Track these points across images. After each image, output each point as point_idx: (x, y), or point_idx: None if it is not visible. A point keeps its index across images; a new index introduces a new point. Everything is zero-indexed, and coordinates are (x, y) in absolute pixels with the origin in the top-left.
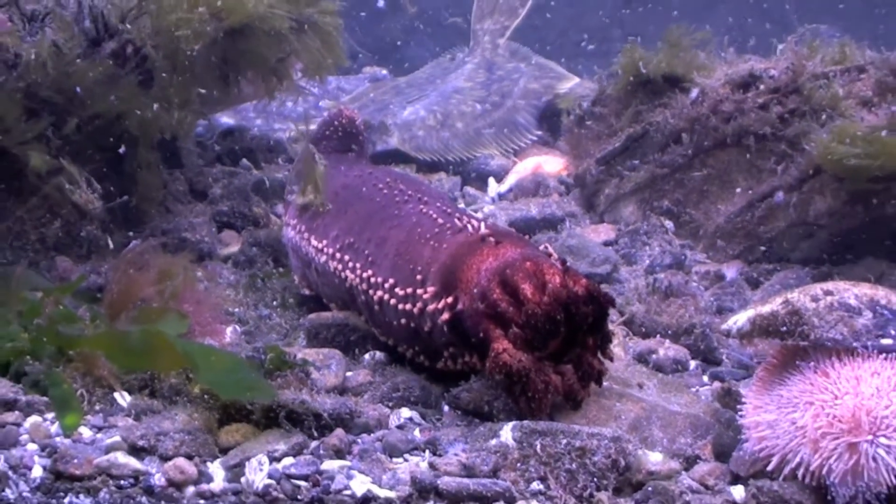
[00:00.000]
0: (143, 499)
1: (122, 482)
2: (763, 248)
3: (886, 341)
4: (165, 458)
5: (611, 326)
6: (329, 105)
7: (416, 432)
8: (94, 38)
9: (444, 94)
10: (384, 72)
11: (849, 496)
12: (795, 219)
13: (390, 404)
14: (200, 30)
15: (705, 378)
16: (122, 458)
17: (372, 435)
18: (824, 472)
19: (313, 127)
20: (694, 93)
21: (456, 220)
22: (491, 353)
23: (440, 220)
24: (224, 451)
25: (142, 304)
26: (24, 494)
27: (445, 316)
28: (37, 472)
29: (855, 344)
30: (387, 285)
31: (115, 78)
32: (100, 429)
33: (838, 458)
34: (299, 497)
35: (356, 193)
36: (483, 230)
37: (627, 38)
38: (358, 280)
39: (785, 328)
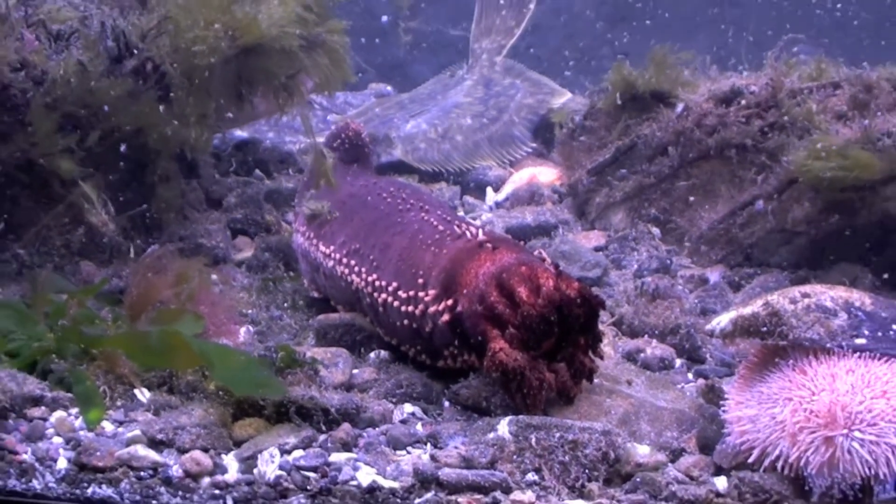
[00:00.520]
0: (162, 489)
1: (141, 473)
2: (744, 253)
3: (860, 341)
4: (183, 451)
5: (601, 327)
6: (337, 119)
7: (419, 426)
8: (116, 56)
9: (445, 108)
10: (388, 88)
11: (825, 487)
12: (774, 226)
13: (394, 400)
14: (215, 46)
15: (690, 375)
16: (141, 450)
17: (377, 429)
18: (802, 464)
19: (322, 139)
20: (679, 107)
21: (455, 227)
22: (489, 353)
23: (440, 227)
24: (238, 444)
25: (160, 305)
26: (50, 485)
27: (446, 317)
28: (62, 464)
29: (831, 343)
30: (390, 288)
31: (136, 94)
32: (121, 423)
33: (815, 450)
34: (308, 487)
35: (362, 202)
36: (481, 236)
37: (616, 56)
38: (363, 283)
39: (765, 328)
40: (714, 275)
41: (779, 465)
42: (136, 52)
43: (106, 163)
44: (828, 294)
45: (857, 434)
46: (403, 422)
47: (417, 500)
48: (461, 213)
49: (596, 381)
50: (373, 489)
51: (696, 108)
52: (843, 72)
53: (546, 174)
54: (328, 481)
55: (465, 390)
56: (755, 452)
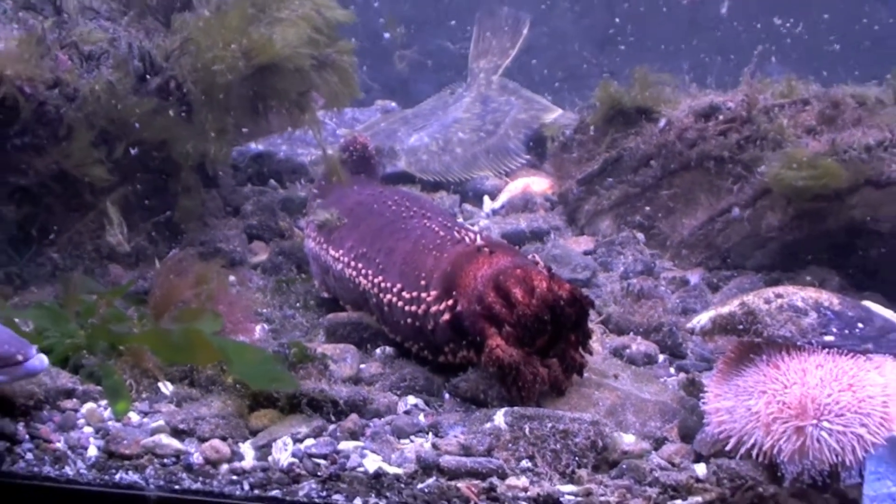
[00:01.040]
0: (184, 475)
1: (165, 460)
2: (722, 257)
3: (829, 338)
4: (203, 440)
5: (590, 325)
6: (345, 133)
7: (421, 417)
8: (142, 75)
9: (445, 123)
10: (393, 104)
11: (796, 473)
12: (749, 232)
13: (398, 392)
14: (233, 65)
15: (672, 370)
16: (165, 439)
17: (382, 419)
18: (775, 451)
19: (331, 151)
20: (662, 122)
21: (455, 233)
22: (486, 349)
23: (441, 233)
24: (253, 433)
25: (182, 305)
26: (81, 471)
27: (446, 317)
28: (92, 452)
29: (801, 340)
30: (395, 289)
31: (160, 110)
32: (146, 414)
33: (787, 439)
34: (319, 473)
35: (368, 209)
36: (479, 241)
37: (603, 75)
38: (370, 285)
39: (741, 326)
40: (694, 277)
41: (754, 452)
42: (160, 71)
43: (132, 173)
44: (799, 295)
45: (825, 424)
46: (407, 413)
47: (420, 486)
48: (460, 220)
49: (585, 375)
50: (378, 475)
51: (678, 122)
52: (812, 89)
53: (539, 184)
54: (337, 468)
55: (464, 383)
56: (732, 441)
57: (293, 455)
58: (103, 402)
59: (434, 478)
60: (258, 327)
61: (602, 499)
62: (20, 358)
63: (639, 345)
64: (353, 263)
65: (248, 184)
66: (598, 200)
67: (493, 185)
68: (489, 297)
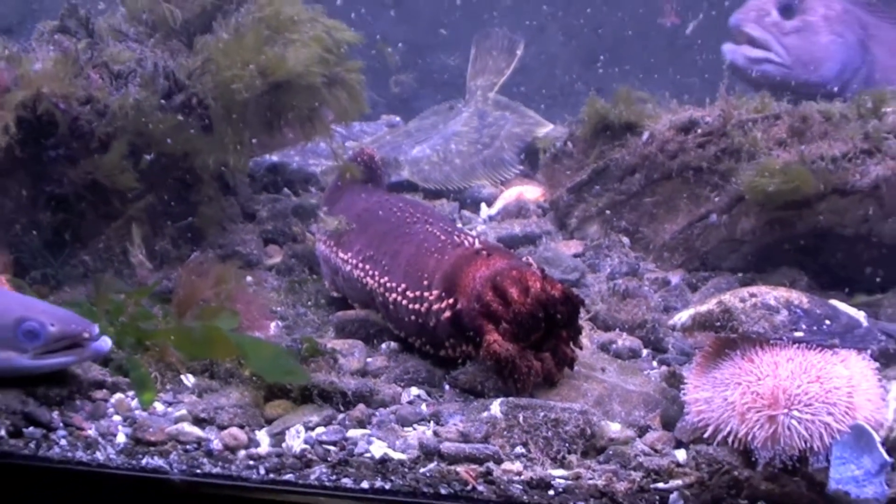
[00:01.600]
0: (205, 460)
1: (187, 446)
2: (700, 259)
3: (798, 334)
4: (222, 427)
5: (580, 322)
6: (354, 145)
7: (423, 407)
8: (167, 92)
9: (446, 136)
10: (398, 118)
11: (768, 458)
12: (726, 236)
13: (402, 384)
14: (250, 83)
15: (655, 363)
16: (187, 427)
17: (387, 409)
18: (749, 438)
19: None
20: (645, 135)
21: (455, 237)
22: (484, 344)
23: (442, 237)
24: (269, 421)
25: (203, 304)
26: (111, 456)
27: (447, 314)
28: (120, 439)
29: (774, 336)
30: (399, 289)
31: (183, 124)
32: (170, 404)
33: (760, 427)
34: (329, 459)
35: (375, 215)
36: (477, 245)
37: (589, 92)
38: (376, 285)
39: (719, 323)
40: (675, 277)
41: (730, 439)
42: (183, 88)
43: (158, 182)
44: (771, 294)
45: (795, 413)
46: (410, 403)
47: (422, 470)
48: (460, 225)
49: (575, 368)
50: (384, 460)
51: (660, 135)
52: (783, 105)
53: (532, 192)
54: (346, 453)
55: (463, 376)
56: (710, 429)
57: (305, 442)
58: (131, 393)
59: (435, 463)
60: (273, 324)
61: (590, 482)
62: (87, 336)
63: (624, 340)
64: (360, 265)
65: (263, 192)
66: (587, 207)
67: (490, 193)
68: (487, 296)
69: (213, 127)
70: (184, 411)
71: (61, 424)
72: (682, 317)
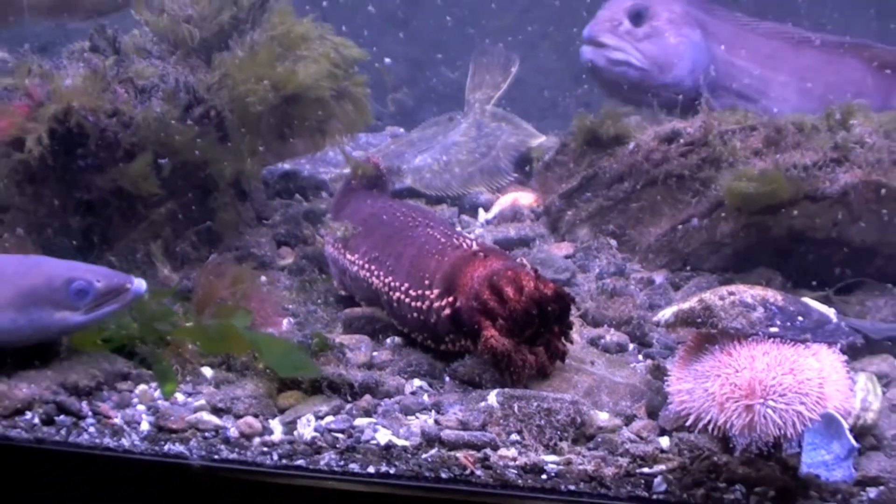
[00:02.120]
0: (222, 446)
1: (206, 434)
2: (683, 261)
3: (774, 329)
4: (238, 416)
5: (571, 318)
6: (360, 155)
7: (425, 397)
8: (187, 105)
9: (446, 146)
10: (401, 130)
11: (745, 444)
12: (706, 238)
13: (405, 376)
14: (263, 96)
15: (640, 357)
16: (206, 416)
17: (392, 399)
18: (728, 426)
19: (347, 170)
20: (631, 145)
21: (454, 240)
22: (482, 339)
23: (442, 240)
24: (281, 411)
25: (220, 302)
26: (136, 443)
27: (447, 311)
28: (144, 427)
29: (751, 331)
30: (403, 288)
31: (201, 135)
32: (190, 395)
33: (738, 416)
34: (337, 445)
35: (380, 220)
36: (474, 247)
37: (578, 107)
38: (381, 284)
39: (700, 319)
40: (659, 277)
41: (710, 427)
42: (202, 101)
43: (178, 189)
44: (748, 292)
45: (770, 403)
46: (413, 393)
47: (424, 456)
48: (459, 229)
49: (566, 361)
50: (389, 447)
51: (645, 145)
52: (760, 118)
53: (526, 198)
54: (353, 441)
55: (462, 368)
56: (691, 418)
57: (315, 430)
58: (154, 384)
59: (436, 449)
60: (285, 321)
61: (580, 467)
62: (128, 286)
63: (612, 335)
64: (366, 266)
65: (276, 198)
66: (577, 212)
67: (487, 199)
68: (484, 294)
69: (229, 137)
70: (203, 401)
71: (90, 413)
72: (666, 314)
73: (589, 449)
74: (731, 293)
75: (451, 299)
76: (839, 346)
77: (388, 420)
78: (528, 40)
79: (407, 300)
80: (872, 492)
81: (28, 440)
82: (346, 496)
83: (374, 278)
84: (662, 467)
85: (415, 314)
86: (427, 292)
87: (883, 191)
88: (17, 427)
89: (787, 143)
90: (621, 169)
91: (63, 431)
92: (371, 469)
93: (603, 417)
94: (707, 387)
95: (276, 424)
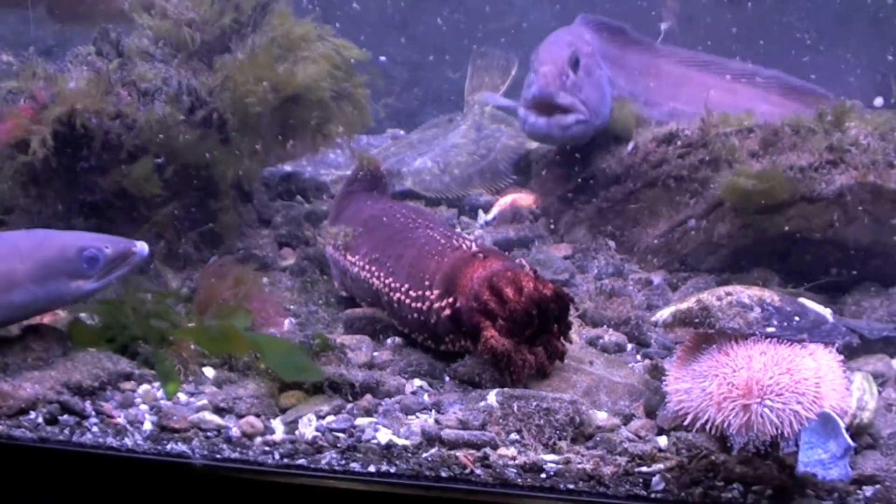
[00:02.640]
0: (224, 446)
1: (208, 433)
2: (680, 261)
3: (770, 329)
4: (240, 416)
5: (570, 318)
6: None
7: (425, 396)
8: (190, 108)
9: (445, 148)
10: (402, 132)
11: (743, 443)
12: (703, 239)
13: (406, 376)
14: (263, 97)
15: (638, 357)
16: (208, 415)
17: (392, 398)
18: (725, 425)
19: (349, 172)
20: (630, 146)
21: (454, 241)
22: (482, 339)
23: (442, 241)
24: (283, 411)
25: (223, 302)
26: (139, 442)
27: (447, 312)
28: (147, 426)
29: (748, 331)
30: (403, 289)
31: (203, 137)
32: (192, 394)
33: (735, 415)
34: (339, 445)
35: (380, 221)
36: (474, 248)
37: None
38: (382, 285)
39: (697, 320)
40: (657, 278)
41: (707, 426)
42: (204, 104)
43: (181, 191)
44: (745, 293)
45: (767, 402)
46: (413, 393)
47: (424, 455)
48: (458, 230)
49: (565, 361)
50: (389, 446)
51: (643, 147)
52: (756, 120)
53: (525, 199)
54: (354, 440)
55: (462, 368)
56: (689, 417)
57: (316, 429)
58: (156, 384)
59: (436, 448)
60: (287, 321)
61: (579, 466)
62: (134, 249)
63: (610, 335)
64: (367, 267)
65: (278, 199)
66: (576, 213)
67: (486, 201)
68: (484, 295)
69: (230, 139)
70: (205, 401)
71: (93, 413)
72: (664, 314)
73: (588, 448)
74: (729, 293)
75: (450, 300)
76: (836, 346)
77: (388, 419)
78: (529, 42)
79: (407, 301)
80: (869, 490)
81: (32, 440)
82: (346, 495)
83: (374, 279)
84: (660, 466)
85: (415, 315)
86: (427, 293)
87: (878, 192)
88: (21, 426)
89: (784, 145)
90: (619, 170)
91: (66, 431)
92: (372, 468)
93: (601, 417)
94: (705, 386)
95: (277, 424)
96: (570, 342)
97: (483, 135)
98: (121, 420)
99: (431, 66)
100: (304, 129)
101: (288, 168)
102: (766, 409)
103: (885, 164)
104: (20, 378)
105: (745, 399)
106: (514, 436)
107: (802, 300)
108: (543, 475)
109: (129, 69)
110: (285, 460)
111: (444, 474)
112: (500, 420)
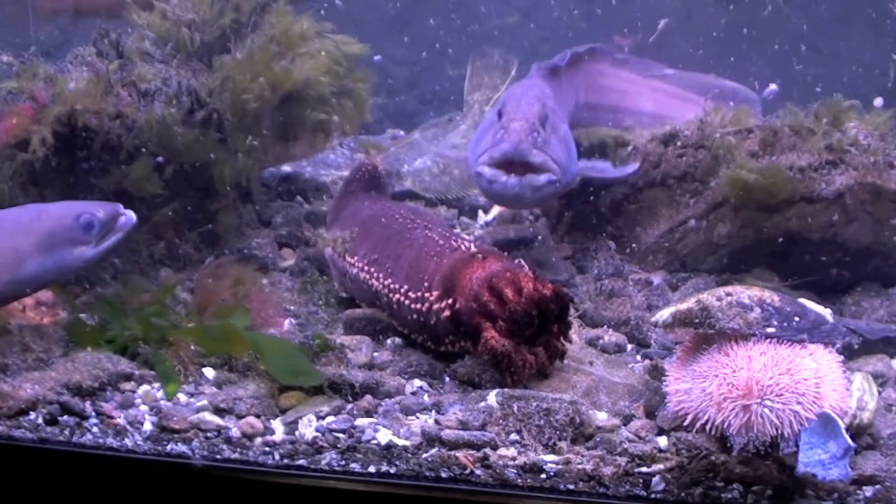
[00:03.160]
0: (224, 446)
1: (208, 434)
2: (680, 262)
3: (770, 330)
4: (240, 417)
5: (570, 318)
6: (361, 157)
7: (425, 397)
8: (189, 108)
9: (445, 149)
10: (402, 132)
11: (743, 443)
12: (704, 240)
13: (406, 376)
14: (259, 93)
15: (638, 357)
16: (208, 416)
17: (392, 399)
18: (725, 426)
19: (346, 172)
20: (630, 147)
21: (453, 242)
22: (482, 340)
23: (441, 242)
24: (283, 411)
25: (222, 303)
26: (139, 443)
27: (447, 313)
28: (147, 427)
29: (748, 332)
30: (402, 290)
31: (203, 138)
32: (192, 395)
33: (735, 415)
34: (339, 445)
35: (378, 222)
36: (473, 249)
37: None
38: (381, 286)
39: (697, 320)
40: (657, 278)
41: (707, 427)
42: (203, 105)
43: (181, 191)
44: (745, 293)
45: (767, 403)
46: (413, 394)
47: (424, 455)
48: (458, 230)
49: (565, 362)
50: (389, 447)
51: (643, 147)
52: (756, 120)
53: None
54: (354, 441)
55: (462, 369)
56: (689, 417)
57: (316, 430)
58: (156, 385)
59: (436, 448)
60: (287, 321)
61: (579, 467)
62: (121, 212)
63: (610, 336)
64: (366, 268)
65: (278, 200)
66: (576, 213)
67: (486, 201)
68: (484, 296)
69: (228, 138)
70: (205, 402)
71: (93, 413)
72: (664, 314)
73: (588, 448)
74: (729, 294)
75: (450, 301)
76: (836, 346)
77: (388, 420)
78: (528, 44)
79: (406, 302)
80: (869, 490)
81: (32, 440)
82: (347, 496)
83: (373, 280)
84: (660, 466)
85: (414, 316)
86: (426, 294)
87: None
88: (21, 427)
89: (783, 146)
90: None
91: (66, 432)
92: (372, 469)
93: (601, 417)
94: (705, 387)
95: (277, 424)
96: (570, 341)
97: None
98: (121, 421)
99: (432, 66)
100: (304, 127)
101: (288, 169)
102: (766, 410)
103: (885, 165)
104: (20, 378)
105: (745, 399)
106: (514, 436)
107: (802, 300)
108: (543, 476)
109: (130, 70)
110: (285, 461)
111: (444, 475)
112: (500, 420)
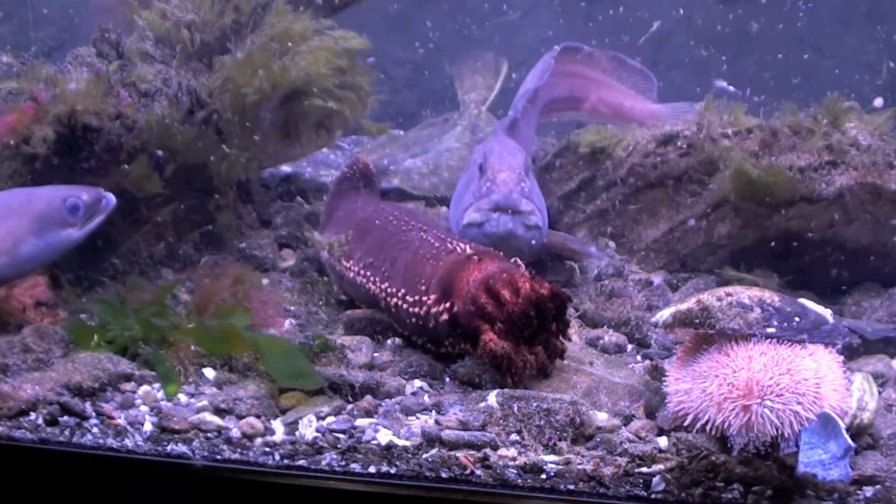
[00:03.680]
0: (224, 447)
1: (209, 434)
2: (680, 261)
3: (770, 330)
4: (240, 417)
5: (569, 319)
6: (358, 151)
7: (426, 397)
8: (189, 109)
9: (438, 151)
10: (401, 132)
11: (743, 443)
12: (703, 240)
13: (406, 377)
14: (259, 87)
15: (639, 357)
16: (209, 416)
17: (392, 399)
18: (725, 426)
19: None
20: (629, 148)
21: (448, 244)
22: (481, 343)
23: (437, 244)
24: (283, 411)
25: (222, 303)
26: (139, 443)
27: (445, 317)
28: (147, 427)
29: (748, 332)
30: (399, 294)
31: (203, 137)
32: (192, 395)
33: (735, 416)
34: (339, 446)
35: (372, 224)
36: (468, 250)
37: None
38: (378, 290)
39: (697, 320)
40: (657, 278)
41: (707, 427)
42: (204, 105)
43: (181, 191)
44: (745, 293)
45: (767, 403)
46: (413, 394)
47: (425, 455)
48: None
49: (565, 362)
50: (389, 447)
51: (642, 148)
52: (755, 120)
53: None
54: (354, 441)
55: (462, 369)
56: (689, 418)
57: (317, 430)
58: (157, 385)
59: (437, 449)
60: (287, 322)
61: (579, 467)
62: (103, 194)
63: (610, 336)
64: (362, 272)
65: (278, 200)
66: (576, 214)
67: None
68: (481, 298)
69: (228, 138)
70: (205, 402)
71: (93, 414)
72: (664, 314)
73: (588, 449)
74: (729, 294)
75: (448, 304)
76: (836, 346)
77: (388, 420)
78: (528, 45)
79: (404, 306)
80: (869, 491)
81: (32, 441)
82: (347, 496)
83: (370, 284)
84: (661, 467)
85: (413, 319)
86: (424, 298)
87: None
88: (21, 428)
89: (783, 146)
90: (619, 171)
91: (67, 432)
92: (372, 469)
93: (602, 417)
94: (705, 387)
95: (277, 425)
96: (570, 340)
97: (478, 137)
98: (121, 421)
99: (431, 66)
100: (306, 123)
101: (288, 169)
102: (766, 410)
103: (885, 165)
104: (20, 379)
105: (746, 400)
106: (514, 436)
107: (802, 300)
108: (544, 476)
109: (130, 70)
110: (285, 461)
111: (444, 475)
112: (501, 421)
